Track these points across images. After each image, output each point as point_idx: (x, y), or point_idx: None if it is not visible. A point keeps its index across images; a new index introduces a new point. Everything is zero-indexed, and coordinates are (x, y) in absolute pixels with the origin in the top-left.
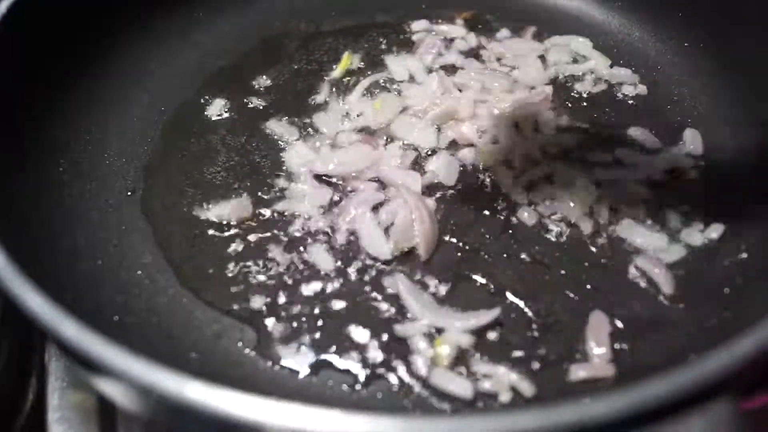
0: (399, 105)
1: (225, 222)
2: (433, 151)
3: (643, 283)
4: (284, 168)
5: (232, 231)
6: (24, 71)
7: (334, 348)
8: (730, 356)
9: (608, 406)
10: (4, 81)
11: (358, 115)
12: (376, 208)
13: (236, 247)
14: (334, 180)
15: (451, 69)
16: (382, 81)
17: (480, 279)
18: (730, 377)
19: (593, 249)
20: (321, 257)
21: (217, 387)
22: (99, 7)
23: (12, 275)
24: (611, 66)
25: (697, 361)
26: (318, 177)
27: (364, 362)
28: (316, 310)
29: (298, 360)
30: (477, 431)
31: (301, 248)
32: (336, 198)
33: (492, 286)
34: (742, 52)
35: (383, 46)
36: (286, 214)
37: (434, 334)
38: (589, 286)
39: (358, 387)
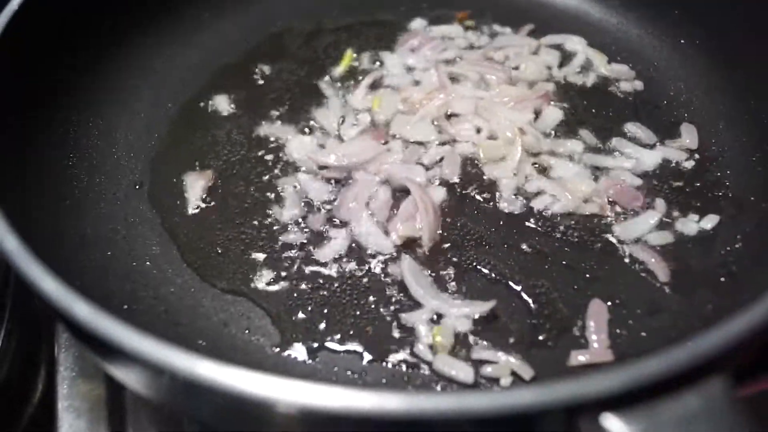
0: (397, 101)
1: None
2: (435, 147)
3: (640, 272)
4: (288, 161)
5: (239, 223)
6: (34, 69)
7: (338, 335)
8: (721, 335)
9: (601, 382)
10: (15, 78)
11: (357, 113)
12: (370, 203)
13: (243, 239)
14: (337, 173)
15: (449, 64)
16: (382, 78)
17: (481, 268)
18: (722, 355)
19: (591, 239)
20: (325, 247)
21: (228, 365)
22: (107, 8)
23: (27, 260)
24: (608, 62)
25: (690, 340)
26: (321, 169)
27: (368, 349)
28: (322, 299)
29: (303, 347)
30: (477, 407)
31: (307, 238)
32: (339, 190)
33: (493, 275)
34: (737, 47)
35: (385, 44)
36: (290, 206)
37: (435, 322)
38: (588, 275)
39: (362, 373)
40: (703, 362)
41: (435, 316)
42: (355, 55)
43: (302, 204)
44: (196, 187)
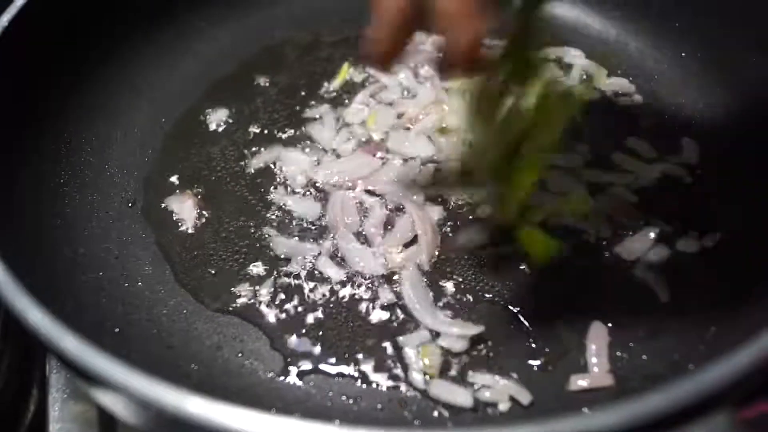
0: (393, 116)
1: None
2: (433, 163)
3: (640, 292)
4: (283, 177)
5: (233, 242)
6: (24, 82)
7: (333, 359)
8: (731, 368)
9: (607, 418)
10: (5, 92)
11: (353, 128)
12: (363, 222)
13: (237, 259)
14: (331, 190)
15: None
16: (377, 92)
17: (479, 289)
18: (731, 389)
19: (591, 258)
20: (319, 269)
21: (218, 401)
22: (100, 19)
23: (12, 289)
24: (608, 76)
25: (699, 373)
26: (315, 187)
27: (363, 373)
28: (316, 321)
29: (297, 370)
30: None
31: (301, 260)
32: (332, 208)
33: (491, 296)
34: (741, 61)
35: None
36: (283, 226)
37: (426, 343)
38: (587, 296)
39: (357, 398)
40: (711, 398)
41: (426, 339)
42: (351, 68)
43: (295, 223)
44: (185, 210)
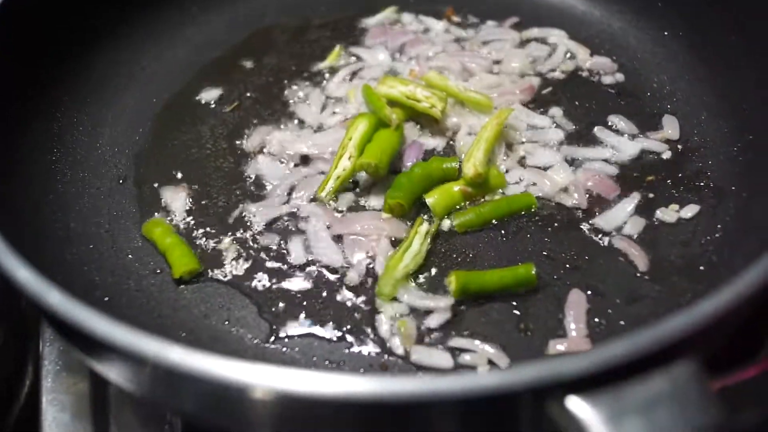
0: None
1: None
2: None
3: (619, 261)
4: (271, 154)
5: (220, 215)
6: (19, 62)
7: (317, 326)
8: (686, 318)
9: (565, 365)
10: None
11: (337, 103)
12: None
13: (224, 231)
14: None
15: (431, 59)
16: (360, 70)
17: (461, 259)
18: (687, 338)
19: (571, 229)
20: (302, 242)
21: (201, 351)
22: (93, 3)
23: (2, 251)
24: (591, 55)
25: (655, 324)
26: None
27: (347, 339)
28: (301, 290)
29: (282, 337)
30: (441, 391)
31: (283, 233)
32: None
33: (473, 265)
34: (720, 39)
35: (370, 39)
36: (266, 198)
37: (403, 316)
38: (567, 265)
39: (341, 362)
40: (667, 345)
41: (404, 310)
42: (342, 51)
43: (277, 198)
44: (177, 200)
